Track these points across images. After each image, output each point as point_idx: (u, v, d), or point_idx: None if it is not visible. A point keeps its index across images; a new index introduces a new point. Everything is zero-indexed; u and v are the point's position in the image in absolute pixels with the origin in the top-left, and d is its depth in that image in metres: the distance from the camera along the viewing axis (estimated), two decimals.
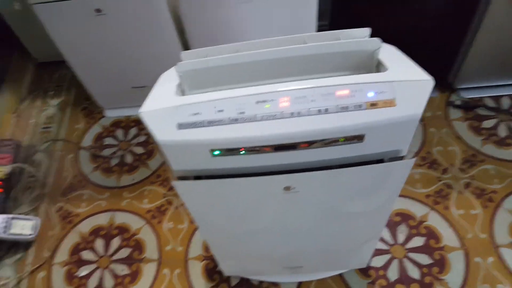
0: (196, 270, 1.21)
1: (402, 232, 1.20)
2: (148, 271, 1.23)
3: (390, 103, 0.54)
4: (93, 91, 1.56)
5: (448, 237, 1.17)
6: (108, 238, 1.31)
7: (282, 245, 0.90)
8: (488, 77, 1.45)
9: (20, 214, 1.39)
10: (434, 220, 1.21)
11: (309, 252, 0.95)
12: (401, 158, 0.62)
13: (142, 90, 1.52)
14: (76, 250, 1.31)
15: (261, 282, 1.16)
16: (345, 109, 0.55)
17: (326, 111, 0.55)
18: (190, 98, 0.58)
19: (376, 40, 0.61)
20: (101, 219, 1.36)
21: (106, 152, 1.54)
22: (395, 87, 0.54)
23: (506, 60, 1.35)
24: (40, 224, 1.37)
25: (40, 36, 1.52)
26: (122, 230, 1.32)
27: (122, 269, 1.24)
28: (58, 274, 1.26)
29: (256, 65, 0.63)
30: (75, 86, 1.77)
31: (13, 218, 1.33)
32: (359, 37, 0.65)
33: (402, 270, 1.14)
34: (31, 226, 1.33)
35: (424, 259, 1.15)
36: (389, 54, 0.64)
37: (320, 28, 1.40)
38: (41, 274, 1.27)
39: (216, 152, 0.58)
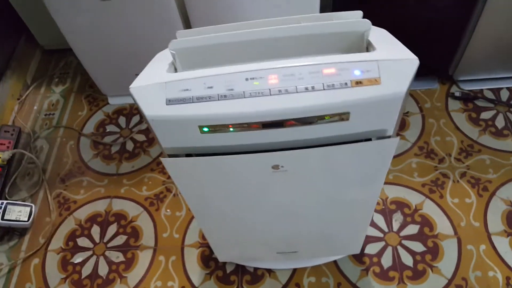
0: (192, 257, 1.22)
1: (397, 220, 1.21)
2: (144, 258, 1.24)
3: (375, 81, 0.55)
4: (97, 78, 1.56)
5: (442, 225, 1.18)
6: (105, 225, 1.32)
7: (274, 228, 0.91)
8: (488, 69, 1.45)
9: (17, 200, 1.39)
10: (429, 209, 1.22)
11: (302, 235, 0.96)
12: (388, 137, 0.62)
13: None
14: (72, 237, 1.31)
15: (256, 269, 1.17)
16: (331, 87, 0.55)
17: (313, 88, 0.56)
18: (180, 75, 0.59)
19: (366, 21, 0.62)
20: (99, 206, 1.37)
21: (108, 139, 1.54)
22: (380, 66, 0.55)
23: (506, 52, 1.36)
24: (36, 211, 1.37)
25: (47, 24, 1.53)
26: (120, 217, 1.33)
27: (117, 256, 1.25)
28: (52, 261, 1.27)
29: (248, 45, 0.64)
30: (80, 74, 1.79)
31: (8, 204, 1.31)
32: (351, 19, 0.66)
33: (396, 257, 1.15)
34: (27, 212, 1.32)
35: (418, 247, 1.16)
36: (379, 36, 0.64)
37: None
38: (35, 261, 1.27)
39: (205, 129, 0.59)
